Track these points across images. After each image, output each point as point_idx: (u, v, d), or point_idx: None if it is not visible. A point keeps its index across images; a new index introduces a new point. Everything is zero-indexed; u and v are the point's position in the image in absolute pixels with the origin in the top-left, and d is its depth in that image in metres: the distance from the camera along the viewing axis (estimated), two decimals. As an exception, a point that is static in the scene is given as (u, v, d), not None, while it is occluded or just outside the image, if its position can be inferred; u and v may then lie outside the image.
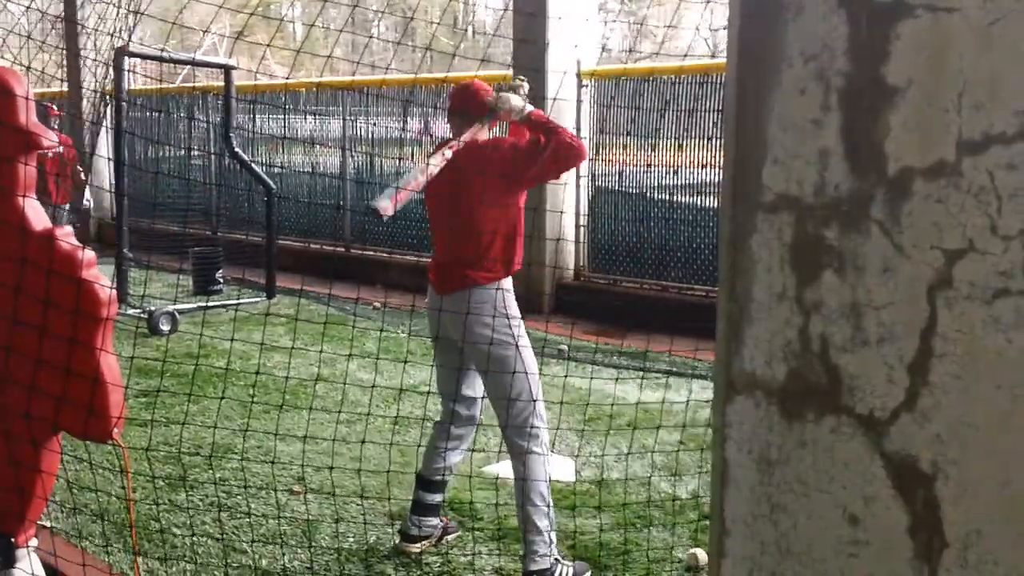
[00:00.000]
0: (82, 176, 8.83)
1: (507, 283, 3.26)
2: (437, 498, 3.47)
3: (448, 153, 3.18)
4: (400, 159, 9.78)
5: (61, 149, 8.46)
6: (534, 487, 3.12)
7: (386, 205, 2.99)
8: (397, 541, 3.47)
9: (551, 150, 3.09)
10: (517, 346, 3.18)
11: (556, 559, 3.14)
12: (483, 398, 3.40)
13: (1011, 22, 1.05)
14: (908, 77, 1.11)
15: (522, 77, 3.36)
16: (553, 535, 3.15)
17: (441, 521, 3.51)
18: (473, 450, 3.93)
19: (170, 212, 10.63)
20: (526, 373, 3.17)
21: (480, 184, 3.14)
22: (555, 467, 3.58)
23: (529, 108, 3.22)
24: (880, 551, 1.16)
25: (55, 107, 8.70)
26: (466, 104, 3.28)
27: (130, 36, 7.20)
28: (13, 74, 2.58)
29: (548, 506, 3.14)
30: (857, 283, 1.16)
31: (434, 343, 3.42)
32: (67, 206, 8.86)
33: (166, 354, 5.89)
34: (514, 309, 3.25)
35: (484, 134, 3.31)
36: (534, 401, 3.16)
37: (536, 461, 3.15)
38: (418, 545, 3.44)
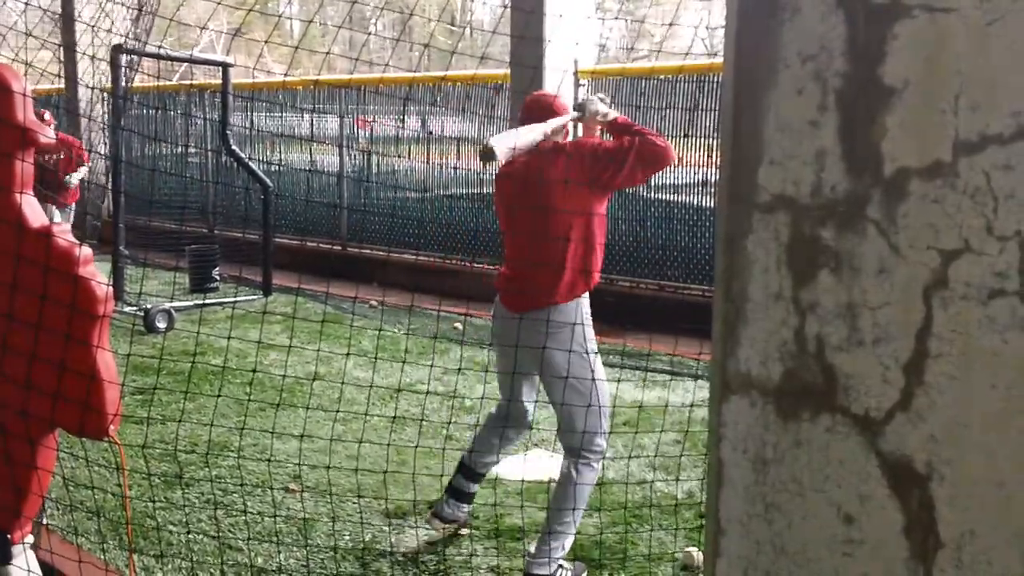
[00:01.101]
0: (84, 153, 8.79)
1: (584, 293, 3.18)
2: (475, 487, 3.54)
3: (563, 130, 3.13)
4: (398, 157, 9.78)
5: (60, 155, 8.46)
6: (581, 491, 3.13)
7: (503, 151, 2.90)
8: (427, 517, 3.54)
9: (636, 151, 3.00)
10: (590, 355, 3.13)
11: (560, 564, 3.14)
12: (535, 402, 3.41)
13: (1008, 23, 1.05)
14: (905, 78, 1.11)
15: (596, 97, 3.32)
16: (570, 542, 3.16)
17: (469, 507, 3.59)
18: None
19: (167, 210, 10.63)
20: (596, 381, 3.13)
21: (563, 190, 3.02)
22: (553, 466, 3.60)
23: (614, 113, 3.20)
24: (875, 551, 1.17)
25: (46, 113, 8.67)
26: (545, 114, 3.18)
27: (147, 35, 7.18)
28: (10, 70, 2.57)
29: (581, 512, 3.17)
30: (853, 283, 1.16)
31: (497, 349, 3.36)
32: (72, 206, 8.85)
33: (162, 352, 5.89)
34: (588, 318, 3.18)
35: (561, 137, 3.23)
36: (602, 408, 3.14)
37: (593, 470, 3.16)
38: (447, 527, 3.51)
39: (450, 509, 3.49)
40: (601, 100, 3.27)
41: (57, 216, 8.21)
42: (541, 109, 3.22)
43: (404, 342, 6.42)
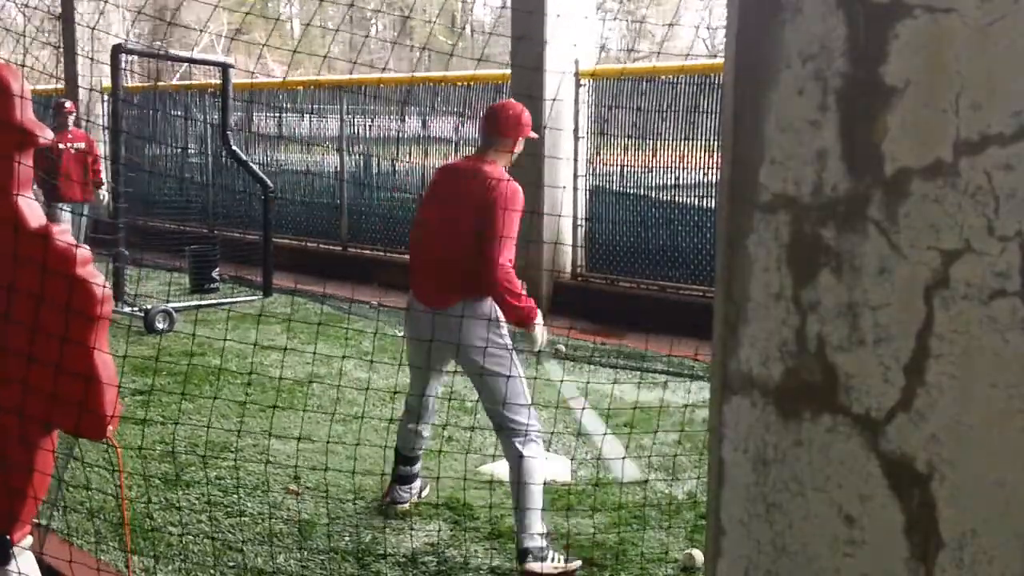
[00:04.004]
0: (101, 172, 8.82)
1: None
2: (419, 466, 3.83)
3: None
4: (397, 157, 9.78)
5: (83, 145, 8.45)
6: (530, 464, 3.30)
7: None
8: (387, 503, 3.78)
9: (498, 292, 3.26)
10: (509, 349, 3.46)
11: (548, 545, 3.26)
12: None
13: (1009, 23, 1.05)
14: (906, 77, 1.11)
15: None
16: (539, 514, 3.30)
17: (420, 481, 3.86)
18: (468, 450, 3.96)
19: (167, 210, 10.63)
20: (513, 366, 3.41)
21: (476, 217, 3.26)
22: (551, 467, 3.62)
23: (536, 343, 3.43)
24: (876, 551, 1.17)
25: (68, 103, 8.65)
26: (510, 128, 3.39)
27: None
28: (9, 70, 2.57)
29: (541, 485, 3.33)
30: (854, 283, 1.16)
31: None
32: (85, 204, 8.78)
33: (162, 352, 5.88)
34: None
35: (507, 162, 3.45)
36: (522, 385, 3.38)
37: (534, 442, 3.36)
38: (405, 504, 3.79)
39: (403, 494, 3.78)
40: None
41: (66, 217, 8.12)
42: (507, 122, 3.40)
43: (403, 343, 6.40)
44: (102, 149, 10.11)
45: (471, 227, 3.26)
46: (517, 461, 3.29)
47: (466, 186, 3.34)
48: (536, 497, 3.26)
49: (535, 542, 3.22)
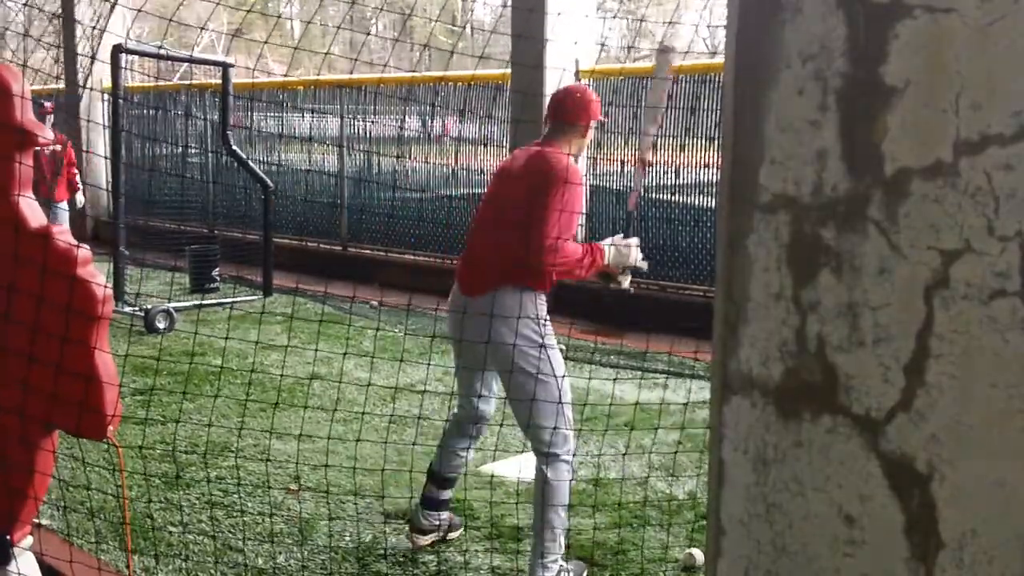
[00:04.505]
0: (77, 175, 8.90)
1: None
2: (449, 493, 3.51)
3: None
4: (398, 157, 9.78)
5: (58, 147, 8.49)
6: (556, 488, 3.09)
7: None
8: (407, 532, 3.49)
9: (569, 265, 3.09)
10: (546, 349, 3.19)
11: (561, 565, 3.14)
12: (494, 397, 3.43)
13: (1009, 23, 1.05)
14: (906, 78, 1.11)
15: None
16: (562, 540, 3.13)
17: (449, 513, 3.55)
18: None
19: (167, 210, 10.63)
20: (555, 376, 3.14)
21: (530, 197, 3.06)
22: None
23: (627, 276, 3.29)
24: (876, 551, 1.16)
25: (47, 103, 8.68)
26: (563, 109, 3.23)
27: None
28: (10, 70, 2.57)
29: (565, 509, 3.12)
30: (854, 283, 1.16)
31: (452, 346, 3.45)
32: (64, 203, 8.87)
33: (162, 352, 5.88)
34: (543, 311, 3.23)
35: (576, 149, 3.27)
36: (560, 403, 3.13)
37: (564, 463, 3.13)
38: (428, 537, 3.47)
39: (427, 521, 3.46)
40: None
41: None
42: (575, 106, 3.23)
43: (403, 342, 6.41)
44: (101, 149, 10.13)
45: (522, 213, 3.04)
46: (540, 482, 3.11)
47: (523, 172, 3.17)
48: (555, 521, 3.07)
49: (547, 571, 3.07)
